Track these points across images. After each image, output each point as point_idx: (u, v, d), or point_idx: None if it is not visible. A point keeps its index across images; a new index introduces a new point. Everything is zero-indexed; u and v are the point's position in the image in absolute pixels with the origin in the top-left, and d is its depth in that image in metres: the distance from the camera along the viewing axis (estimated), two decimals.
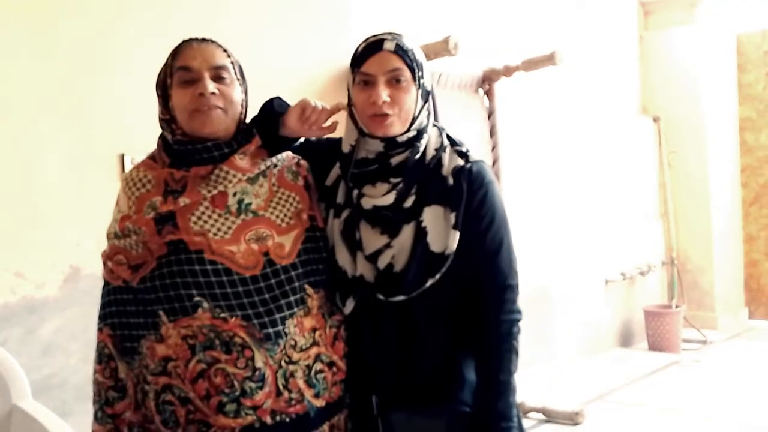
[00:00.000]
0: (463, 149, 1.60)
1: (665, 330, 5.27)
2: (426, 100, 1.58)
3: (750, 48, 5.95)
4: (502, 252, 1.56)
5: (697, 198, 5.76)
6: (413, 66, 1.54)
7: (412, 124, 1.56)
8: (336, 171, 1.65)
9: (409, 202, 1.54)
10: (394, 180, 1.55)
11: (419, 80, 1.55)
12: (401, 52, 1.53)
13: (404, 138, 1.55)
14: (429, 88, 1.59)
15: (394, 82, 1.53)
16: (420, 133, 1.57)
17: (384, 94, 1.51)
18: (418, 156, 1.56)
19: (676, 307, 5.47)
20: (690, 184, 5.78)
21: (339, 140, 1.66)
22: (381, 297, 1.54)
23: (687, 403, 4.13)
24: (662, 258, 5.85)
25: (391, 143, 1.55)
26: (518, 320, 1.55)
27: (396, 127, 1.54)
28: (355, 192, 1.57)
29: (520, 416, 1.59)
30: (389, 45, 1.53)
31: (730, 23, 5.91)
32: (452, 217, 1.51)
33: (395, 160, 1.56)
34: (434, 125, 1.62)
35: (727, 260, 5.87)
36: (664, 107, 5.81)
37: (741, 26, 5.97)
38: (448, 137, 1.63)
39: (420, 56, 1.57)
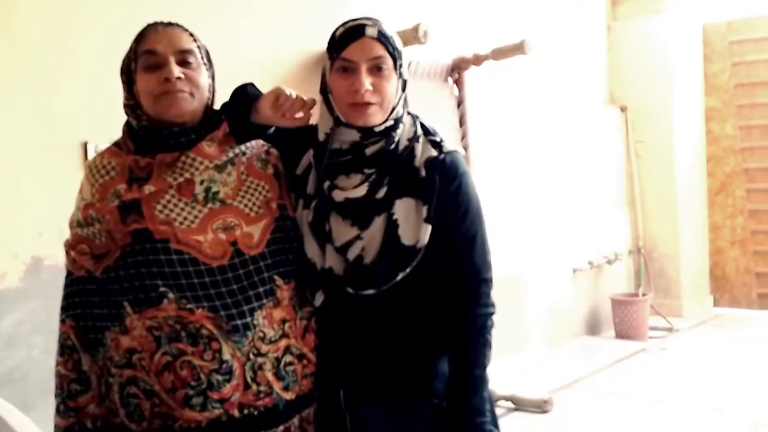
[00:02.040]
0: (437, 139, 1.56)
1: (632, 318, 5.33)
2: (404, 90, 1.55)
3: (715, 38, 6.01)
4: (476, 245, 1.53)
5: (664, 187, 5.81)
6: (394, 54, 1.50)
7: (390, 113, 1.52)
8: (307, 159, 1.60)
9: (381, 194, 1.50)
10: (367, 171, 1.52)
11: (399, 69, 1.52)
12: (384, 39, 1.48)
13: (381, 128, 1.51)
14: (406, 77, 1.56)
15: (376, 70, 1.48)
16: (396, 122, 1.53)
17: (367, 82, 1.47)
18: (392, 146, 1.53)
19: (643, 295, 5.53)
20: (656, 173, 5.84)
21: (310, 127, 1.61)
22: (350, 291, 1.51)
23: (654, 390, 4.18)
24: (629, 247, 5.91)
25: (367, 133, 1.51)
26: (492, 314, 1.53)
27: (377, 117, 1.50)
28: (327, 183, 1.53)
29: (494, 407, 1.58)
30: (371, 31, 1.48)
31: (696, 13, 5.97)
32: (424, 210, 1.48)
33: (370, 150, 1.52)
34: (408, 113, 1.59)
35: (692, 249, 5.95)
36: (632, 97, 5.85)
37: (707, 16, 6.02)
38: (422, 126, 1.59)
39: (399, 44, 1.53)
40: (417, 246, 1.48)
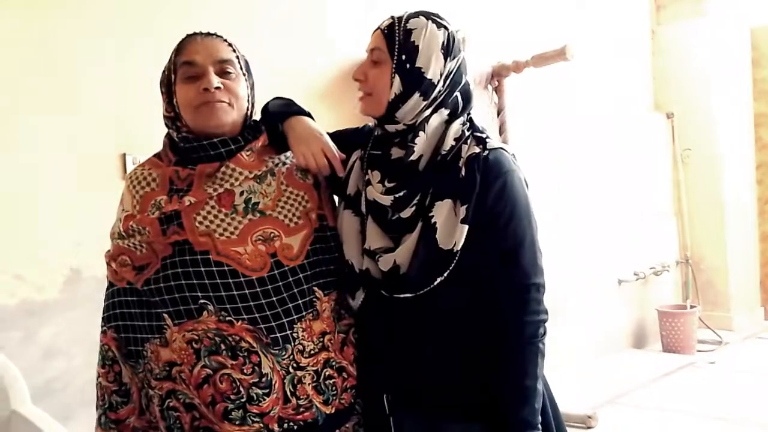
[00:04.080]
0: (483, 135, 1.51)
1: (680, 331, 5.20)
2: (421, 92, 1.47)
3: (764, 42, 5.86)
4: (525, 248, 1.45)
5: (712, 196, 5.67)
6: (395, 46, 1.47)
7: (394, 110, 1.48)
8: (350, 162, 1.59)
9: (407, 213, 1.46)
10: (388, 184, 1.48)
11: (400, 62, 1.47)
12: (388, 31, 1.49)
13: (392, 128, 1.50)
14: (428, 78, 1.47)
15: (374, 60, 1.50)
16: (413, 129, 1.49)
17: (360, 71, 1.51)
18: (414, 157, 1.48)
19: (691, 307, 5.39)
20: (704, 181, 5.69)
21: (358, 130, 1.64)
22: (386, 294, 1.48)
23: (702, 405, 4.06)
24: (676, 257, 5.78)
25: (382, 126, 1.53)
26: (544, 321, 1.46)
27: (370, 107, 1.52)
28: (366, 177, 1.52)
29: (552, 419, 1.51)
30: (384, 23, 1.51)
31: (744, 17, 5.82)
32: (462, 210, 1.42)
33: (394, 154, 1.50)
34: (449, 116, 1.51)
35: (742, 259, 5.78)
36: (678, 103, 5.72)
37: (755, 19, 5.87)
38: (471, 126, 1.53)
39: (421, 40, 1.47)
40: (454, 249, 1.42)
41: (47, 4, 2.53)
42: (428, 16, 1.51)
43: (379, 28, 1.51)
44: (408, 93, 1.47)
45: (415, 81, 1.47)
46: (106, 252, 1.56)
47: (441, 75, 1.48)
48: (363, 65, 1.51)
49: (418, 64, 1.47)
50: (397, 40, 1.47)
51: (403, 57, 1.46)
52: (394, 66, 1.47)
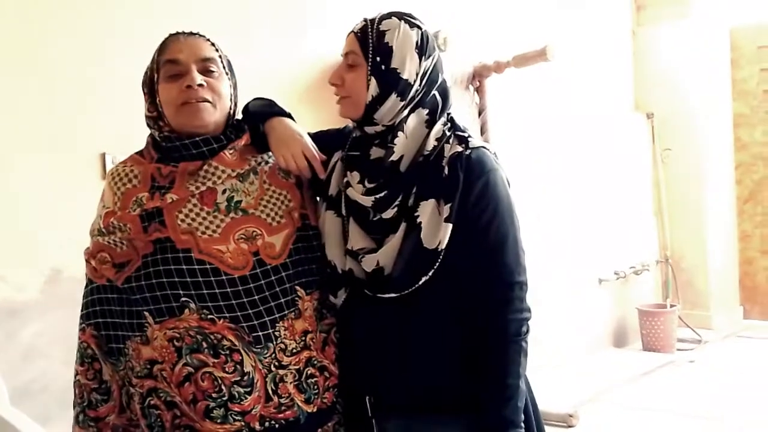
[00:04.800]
0: (465, 134, 1.51)
1: (659, 330, 5.23)
2: (398, 93, 1.47)
3: (743, 43, 5.90)
4: (508, 246, 1.46)
5: (692, 196, 5.71)
6: (369, 49, 1.47)
7: (372, 112, 1.49)
8: (331, 163, 1.59)
9: (389, 214, 1.46)
10: (369, 184, 1.48)
11: (375, 64, 1.47)
12: (361, 33, 1.49)
13: (372, 130, 1.50)
14: (404, 78, 1.47)
15: (349, 63, 1.50)
16: (391, 130, 1.49)
17: (336, 75, 1.51)
18: (395, 158, 1.48)
19: (671, 306, 5.43)
20: (684, 181, 5.73)
21: (339, 131, 1.64)
22: (370, 294, 1.48)
23: (682, 403, 4.09)
24: (656, 257, 5.82)
25: (361, 127, 1.52)
26: (527, 319, 1.47)
27: (348, 110, 1.52)
28: (345, 179, 1.52)
29: (534, 418, 1.52)
30: (357, 26, 1.51)
31: (723, 17, 5.87)
32: (446, 209, 1.42)
33: (373, 154, 1.50)
34: (428, 116, 1.51)
35: (721, 258, 5.83)
36: (658, 104, 5.76)
37: (734, 20, 5.91)
38: (452, 126, 1.53)
39: (395, 41, 1.48)
40: (439, 248, 1.42)
41: (26, 5, 2.51)
42: (401, 16, 1.51)
43: (352, 31, 1.51)
44: (385, 94, 1.47)
45: (391, 82, 1.47)
46: (85, 249, 1.55)
47: (417, 74, 1.48)
48: (338, 69, 1.51)
49: (393, 65, 1.47)
50: (370, 43, 1.47)
51: (378, 59, 1.47)
52: (369, 68, 1.47)
